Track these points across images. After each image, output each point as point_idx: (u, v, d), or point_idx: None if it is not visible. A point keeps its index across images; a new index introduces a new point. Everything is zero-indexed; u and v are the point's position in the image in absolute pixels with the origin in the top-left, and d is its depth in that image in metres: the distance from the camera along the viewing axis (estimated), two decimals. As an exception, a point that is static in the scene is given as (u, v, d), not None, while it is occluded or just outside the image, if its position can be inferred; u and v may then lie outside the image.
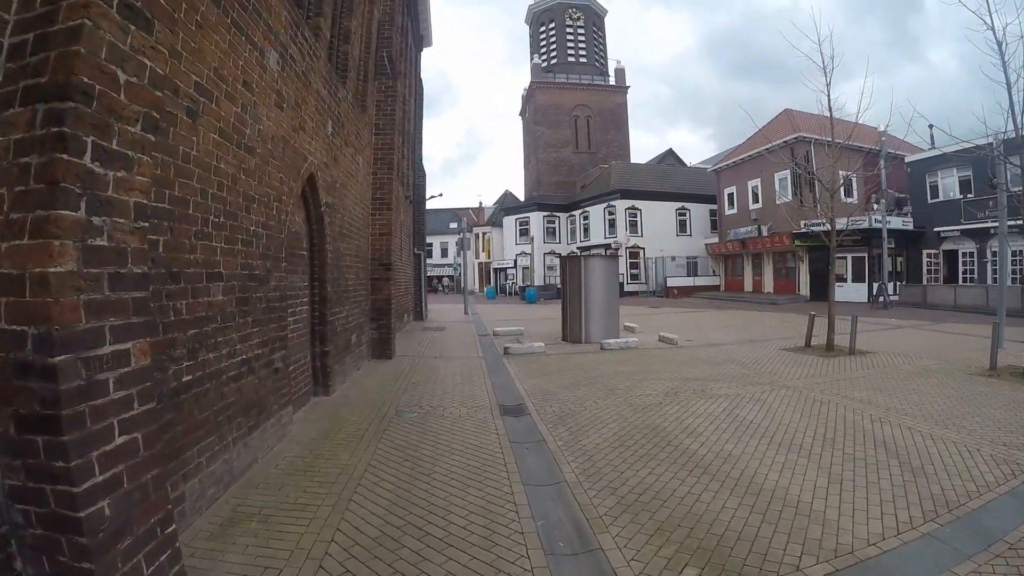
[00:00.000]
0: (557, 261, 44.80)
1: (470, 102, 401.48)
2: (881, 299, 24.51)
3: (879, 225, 26.01)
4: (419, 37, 21.17)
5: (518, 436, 5.65)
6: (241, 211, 4.43)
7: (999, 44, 8.39)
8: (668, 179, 42.51)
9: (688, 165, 52.57)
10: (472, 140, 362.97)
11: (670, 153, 54.92)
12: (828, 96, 12.57)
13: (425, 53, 22.79)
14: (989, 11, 8.42)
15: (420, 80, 22.50)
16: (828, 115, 12.85)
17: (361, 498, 4.01)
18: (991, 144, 9.63)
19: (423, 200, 21.05)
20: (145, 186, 2.58)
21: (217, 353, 4.04)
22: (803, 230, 28.23)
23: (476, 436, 5.63)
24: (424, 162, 22.43)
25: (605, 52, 58.50)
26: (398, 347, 11.84)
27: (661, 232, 37.69)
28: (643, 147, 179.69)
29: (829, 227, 12.98)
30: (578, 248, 42.78)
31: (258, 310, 4.78)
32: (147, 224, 2.63)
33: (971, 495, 4.07)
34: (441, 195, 43.11)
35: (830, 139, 12.95)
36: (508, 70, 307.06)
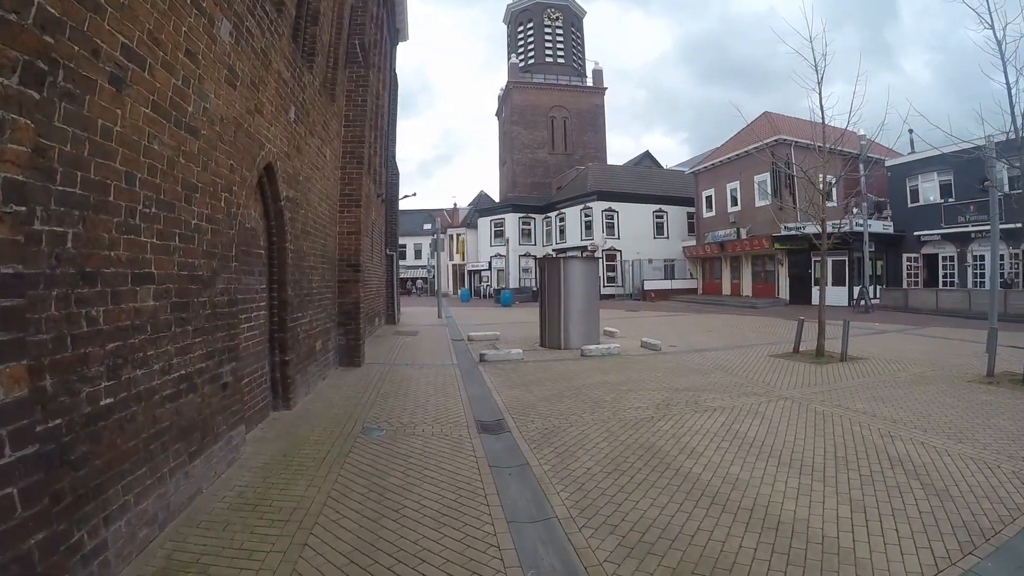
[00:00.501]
0: (532, 263, 44.32)
1: (447, 103, 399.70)
2: (862, 303, 24.54)
3: (860, 229, 26.11)
4: (395, 30, 20.50)
5: (498, 459, 5.07)
6: (180, 201, 3.79)
7: (999, 43, 8.12)
8: (645, 181, 42.37)
9: (664, 168, 52.60)
10: (448, 142, 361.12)
11: (647, 155, 54.90)
12: (820, 93, 12.22)
13: (401, 50, 22.14)
14: (989, 10, 8.14)
15: (395, 75, 21.81)
16: (811, 117, 12.58)
17: (318, 541, 3.39)
18: (985, 145, 9.39)
19: (396, 199, 20.36)
20: (21, 158, 1.96)
21: (147, 369, 3.40)
22: (783, 233, 28.23)
23: (451, 459, 5.03)
24: (399, 163, 21.75)
25: (583, 53, 58.38)
26: (368, 353, 11.19)
27: (638, 234, 37.48)
28: (619, 150, 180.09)
29: (818, 230, 12.69)
30: (554, 250, 42.37)
31: (201, 317, 4.13)
32: (23, 209, 2.02)
33: (1003, 520, 3.67)
34: (415, 194, 42.25)
35: (817, 141, 12.66)
36: (486, 72, 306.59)
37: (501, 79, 70.18)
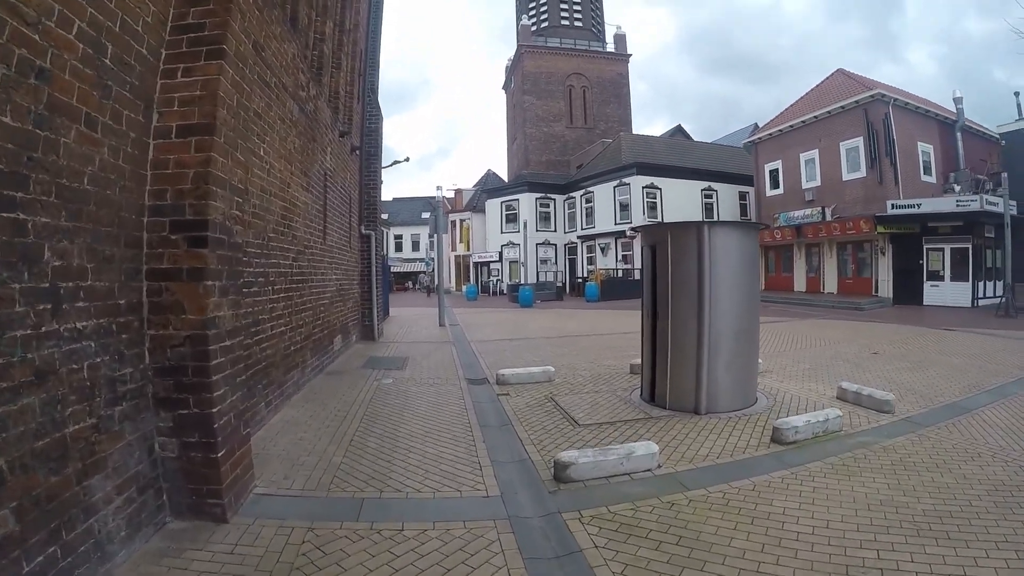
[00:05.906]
0: (553, 253, 37.67)
1: (447, 94, 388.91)
2: (1004, 302, 18.01)
3: (994, 208, 19.66)
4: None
5: None
6: None
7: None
8: (689, 154, 35.34)
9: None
10: (449, 132, 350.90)
11: (679, 129, 47.79)
12: None
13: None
14: None
15: (378, -17, 15.24)
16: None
17: None
18: None
19: (377, 151, 13.74)
20: None
21: None
22: (890, 212, 21.65)
23: None
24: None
25: (602, 16, 51.28)
26: (287, 438, 4.77)
27: (685, 217, 30.48)
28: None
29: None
30: (578, 237, 35.67)
31: None
32: None
33: None
34: (407, 160, 35.19)
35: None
36: (485, 59, 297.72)
37: (505, 58, 62.21)
